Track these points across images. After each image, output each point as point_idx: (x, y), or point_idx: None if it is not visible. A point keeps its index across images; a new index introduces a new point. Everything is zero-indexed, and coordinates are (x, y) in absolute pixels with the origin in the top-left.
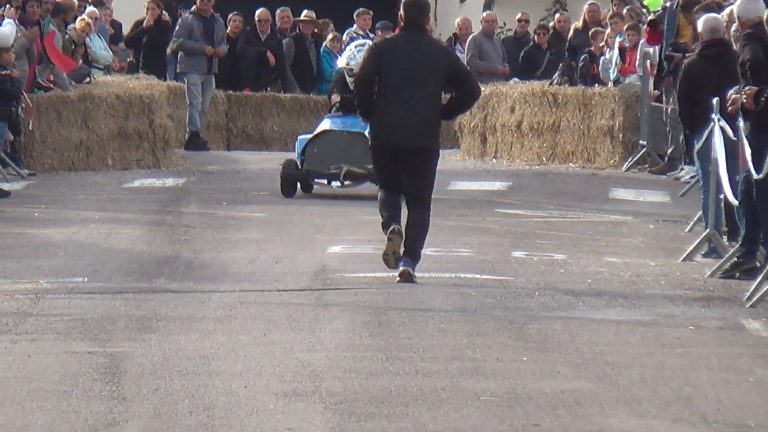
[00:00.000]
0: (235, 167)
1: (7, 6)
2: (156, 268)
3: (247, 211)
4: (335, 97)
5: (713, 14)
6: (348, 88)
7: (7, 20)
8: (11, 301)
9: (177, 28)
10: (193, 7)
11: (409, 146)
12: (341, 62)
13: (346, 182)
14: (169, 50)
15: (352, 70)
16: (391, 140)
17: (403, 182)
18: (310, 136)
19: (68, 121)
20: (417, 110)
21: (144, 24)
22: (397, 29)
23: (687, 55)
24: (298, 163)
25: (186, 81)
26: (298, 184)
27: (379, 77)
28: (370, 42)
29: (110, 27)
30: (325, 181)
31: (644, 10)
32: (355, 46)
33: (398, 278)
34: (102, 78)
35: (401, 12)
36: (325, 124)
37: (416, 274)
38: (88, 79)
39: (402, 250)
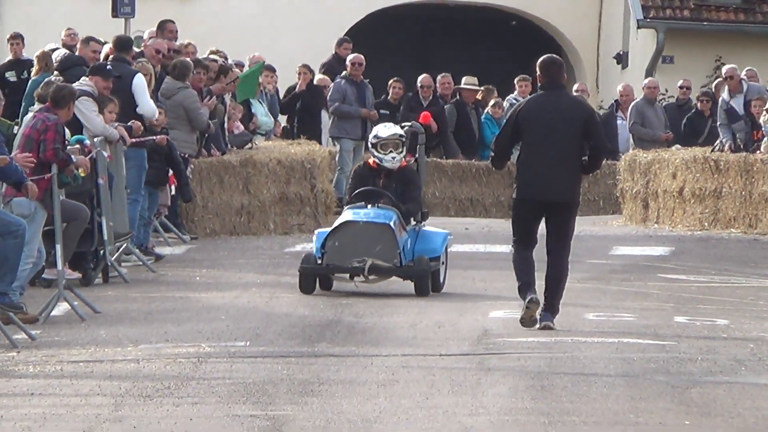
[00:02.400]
0: None
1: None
2: (318, 332)
3: None
4: (345, 201)
5: None
6: (364, 181)
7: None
8: (173, 364)
9: (330, 92)
10: (344, 73)
11: (552, 201)
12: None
13: (371, 277)
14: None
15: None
16: (535, 196)
17: (547, 235)
18: (329, 229)
19: (230, 186)
20: (560, 166)
21: (297, 89)
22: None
23: None
24: (318, 257)
25: (339, 147)
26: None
27: (523, 137)
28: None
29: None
30: (347, 276)
31: None
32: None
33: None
34: (263, 143)
35: (538, 73)
36: (347, 215)
37: (579, 338)
38: (249, 145)
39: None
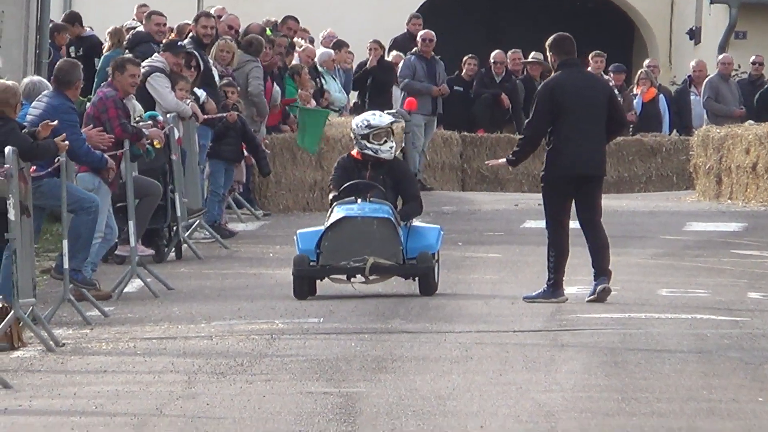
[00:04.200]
0: (470, 208)
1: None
2: (391, 308)
3: (482, 252)
4: (331, 196)
5: None
6: (349, 174)
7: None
8: (247, 341)
9: (401, 69)
10: (415, 49)
11: (591, 174)
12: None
13: (372, 277)
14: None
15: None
16: (576, 170)
17: (580, 210)
18: (314, 229)
19: (303, 161)
20: (597, 140)
21: (367, 65)
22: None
23: None
24: (313, 258)
25: (410, 122)
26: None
27: (561, 115)
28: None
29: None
30: (344, 278)
31: None
32: (371, 114)
33: (598, 296)
34: (336, 119)
35: (550, 52)
36: (340, 212)
37: (652, 315)
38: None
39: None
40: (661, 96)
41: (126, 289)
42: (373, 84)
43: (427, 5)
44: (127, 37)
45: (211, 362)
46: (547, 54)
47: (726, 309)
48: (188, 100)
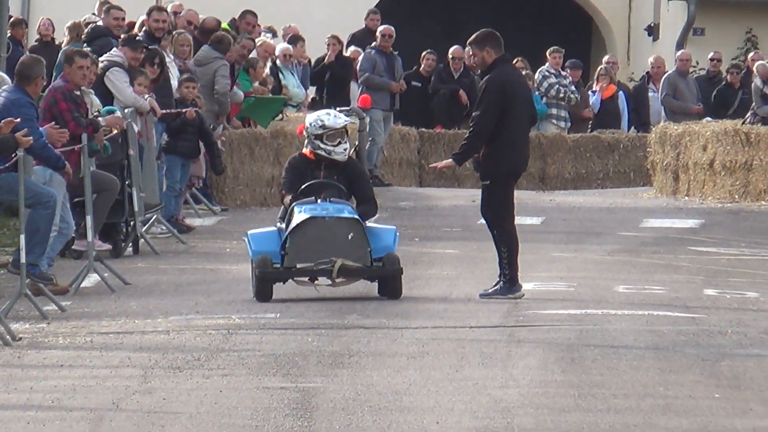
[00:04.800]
0: (428, 204)
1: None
2: (348, 304)
3: (439, 248)
4: (287, 199)
5: None
6: (302, 174)
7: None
8: (203, 336)
9: (360, 63)
10: (374, 44)
11: (525, 170)
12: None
13: (339, 279)
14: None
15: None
16: (520, 168)
17: None
18: (266, 230)
19: (260, 157)
20: (528, 136)
21: (326, 60)
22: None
23: None
24: (276, 260)
25: (369, 117)
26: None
27: (507, 112)
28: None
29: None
30: (306, 279)
31: None
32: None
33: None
34: (294, 114)
35: (489, 47)
36: (305, 213)
37: (609, 311)
38: (280, 116)
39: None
40: (621, 93)
41: (83, 284)
42: (331, 79)
43: (385, 1)
44: (86, 31)
45: (168, 357)
46: (476, 50)
47: (682, 305)
48: (146, 95)
